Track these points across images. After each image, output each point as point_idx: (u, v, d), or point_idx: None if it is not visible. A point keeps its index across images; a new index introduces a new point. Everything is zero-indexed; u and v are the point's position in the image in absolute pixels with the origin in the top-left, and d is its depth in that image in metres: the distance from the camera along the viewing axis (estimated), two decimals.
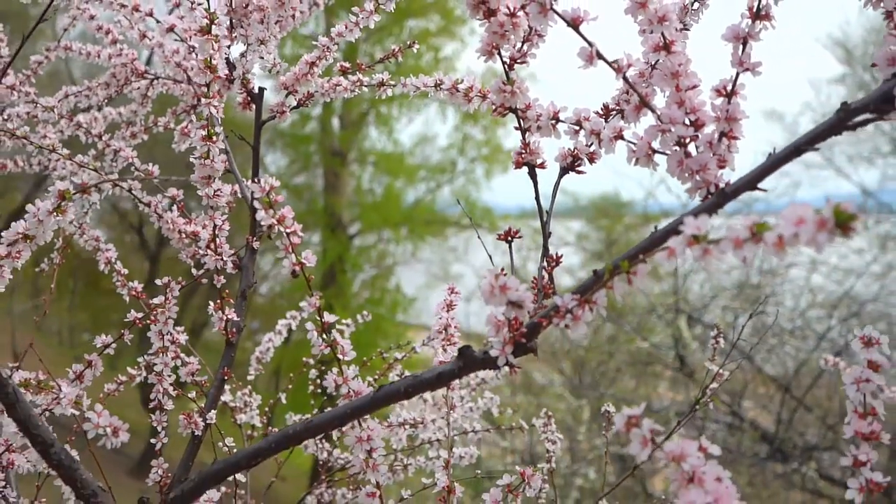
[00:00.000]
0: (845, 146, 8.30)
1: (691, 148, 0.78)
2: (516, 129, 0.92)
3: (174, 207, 1.30)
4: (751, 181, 0.71)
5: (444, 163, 11.09)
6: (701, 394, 1.39)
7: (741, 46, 0.77)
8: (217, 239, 1.17)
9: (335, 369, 0.84)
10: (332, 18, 8.39)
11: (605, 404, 1.52)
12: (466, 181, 10.98)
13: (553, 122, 0.91)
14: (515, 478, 0.95)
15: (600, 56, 0.79)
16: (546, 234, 0.91)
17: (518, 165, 0.93)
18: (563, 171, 0.92)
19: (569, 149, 0.92)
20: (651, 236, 0.72)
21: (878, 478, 0.66)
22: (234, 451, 1.40)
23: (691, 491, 0.60)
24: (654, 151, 0.80)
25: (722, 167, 0.76)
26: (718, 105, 0.77)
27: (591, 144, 0.89)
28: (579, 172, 0.91)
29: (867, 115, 0.68)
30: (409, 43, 1.39)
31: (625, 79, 0.81)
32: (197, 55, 1.24)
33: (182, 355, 1.22)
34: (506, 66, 0.89)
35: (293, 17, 1.31)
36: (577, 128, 0.90)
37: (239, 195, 1.33)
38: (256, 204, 0.76)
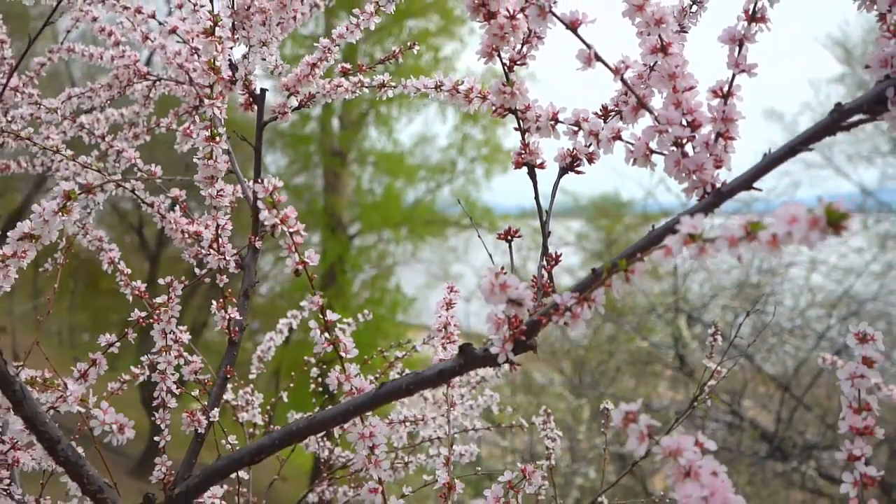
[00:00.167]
0: (845, 146, 8.31)
1: (688, 148, 0.79)
2: (516, 129, 0.93)
3: (177, 207, 1.31)
4: (746, 181, 0.72)
5: (443, 163, 11.10)
6: (699, 391, 1.41)
7: (737, 48, 0.78)
8: (220, 238, 1.18)
9: (338, 367, 0.86)
10: (331, 19, 8.40)
11: (604, 402, 1.53)
12: (466, 181, 11.00)
13: (552, 122, 0.92)
14: (516, 474, 0.96)
15: (598, 58, 0.80)
16: (546, 234, 0.92)
17: (518, 165, 0.94)
18: (563, 171, 0.93)
19: (568, 149, 0.93)
20: (648, 235, 0.73)
21: (871, 472, 0.67)
22: (237, 448, 1.41)
23: (687, 485, 0.61)
24: (652, 152, 0.81)
25: (718, 167, 0.77)
26: (715, 106, 0.78)
27: (590, 145, 0.90)
28: (578, 172, 0.92)
29: (861, 116, 0.69)
30: (409, 44, 1.41)
31: (623, 80, 0.82)
32: (199, 57, 1.25)
33: (185, 354, 1.23)
34: (505, 68, 0.90)
35: (294, 18, 1.32)
36: (575, 128, 0.91)
37: (240, 195, 1.35)
38: (260, 204, 0.78)
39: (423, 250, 11.38)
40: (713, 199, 0.74)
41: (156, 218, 1.28)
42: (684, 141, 0.79)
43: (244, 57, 1.26)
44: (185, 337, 1.23)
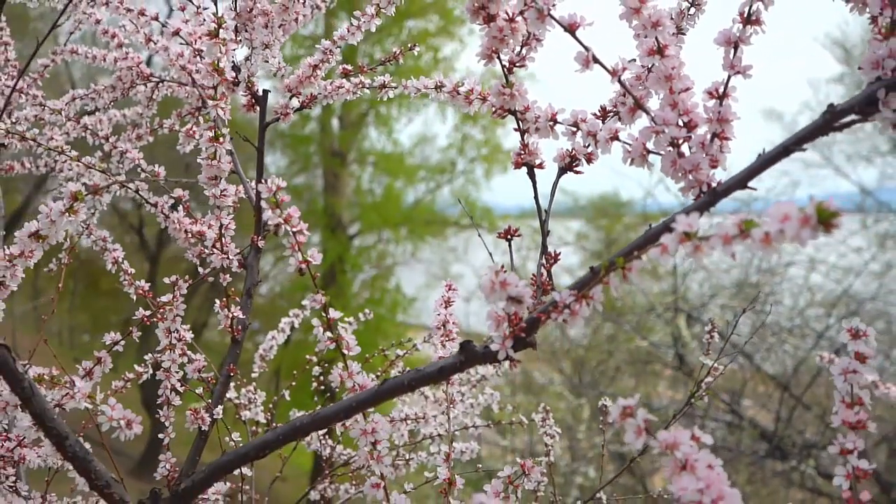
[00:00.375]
0: (844, 145, 8.33)
1: (684, 148, 0.80)
2: (515, 130, 0.95)
3: (180, 207, 1.32)
4: (741, 180, 0.74)
5: (443, 163, 11.12)
6: (696, 388, 1.42)
7: (733, 50, 0.80)
8: (223, 238, 1.20)
9: (340, 364, 0.87)
10: (331, 19, 8.42)
11: (602, 396, 1.54)
12: (466, 181, 11.01)
13: (551, 123, 0.93)
14: (515, 469, 0.98)
15: (596, 60, 0.82)
16: (545, 233, 0.94)
17: (517, 166, 0.95)
18: (562, 171, 0.95)
19: (567, 149, 0.94)
20: (645, 234, 0.75)
21: (864, 465, 0.69)
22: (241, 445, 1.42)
23: (684, 477, 0.62)
24: (649, 152, 0.83)
25: (714, 167, 0.79)
26: (710, 107, 0.80)
27: (589, 145, 0.92)
28: (577, 172, 0.94)
29: (853, 117, 0.71)
30: (410, 45, 1.42)
31: (620, 82, 0.84)
32: (203, 58, 1.27)
33: (189, 353, 1.25)
34: (505, 70, 0.92)
35: (296, 20, 1.34)
36: (574, 129, 0.92)
37: (243, 195, 1.36)
38: (264, 203, 0.79)
39: (423, 250, 11.40)
40: (709, 198, 0.75)
41: (159, 218, 1.29)
42: (680, 141, 0.80)
43: (247, 59, 1.28)
44: (189, 335, 1.24)
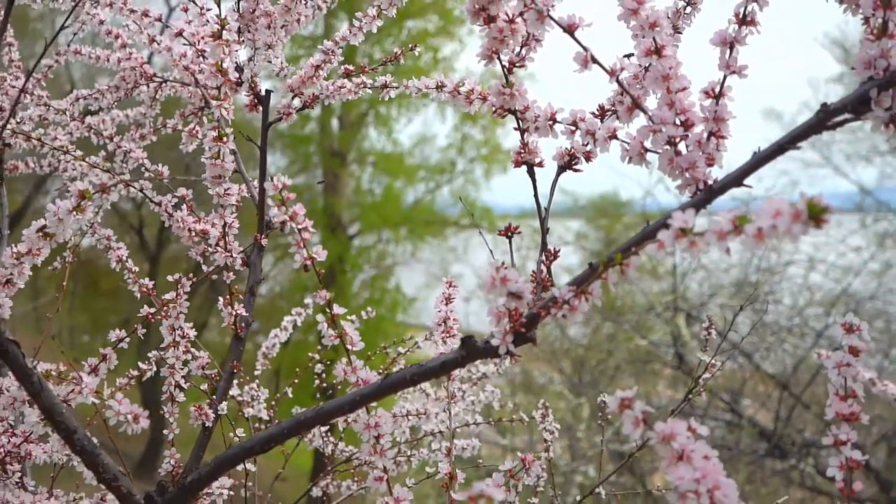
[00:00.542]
0: (843, 145, 8.34)
1: (681, 147, 0.82)
2: (515, 129, 0.96)
3: (183, 206, 1.34)
4: (737, 178, 0.75)
5: (443, 163, 11.13)
6: (694, 384, 1.43)
7: (728, 50, 0.81)
8: (227, 236, 1.22)
9: (344, 359, 0.89)
10: (330, 19, 8.43)
11: (601, 395, 1.56)
12: (466, 181, 11.02)
13: (550, 122, 0.95)
14: (516, 463, 0.99)
15: (595, 60, 0.83)
16: (545, 230, 0.96)
17: (517, 164, 0.97)
18: (561, 169, 0.96)
19: (566, 148, 0.96)
20: (643, 230, 0.76)
21: (857, 456, 0.70)
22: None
23: (680, 468, 0.64)
24: (647, 150, 0.85)
25: (710, 165, 0.80)
26: (707, 106, 0.81)
27: (587, 144, 0.93)
28: (576, 170, 0.96)
29: (846, 116, 0.72)
30: (410, 46, 1.44)
31: (618, 82, 0.85)
32: (206, 59, 1.28)
33: (192, 350, 1.27)
34: (505, 70, 0.93)
35: (298, 21, 1.35)
36: (573, 128, 0.94)
37: (245, 194, 1.38)
38: (269, 201, 0.81)
39: (423, 250, 11.41)
40: (705, 195, 0.77)
41: (163, 216, 1.31)
42: (677, 140, 0.82)
43: (250, 59, 1.29)
44: (192, 333, 1.26)
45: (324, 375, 1.91)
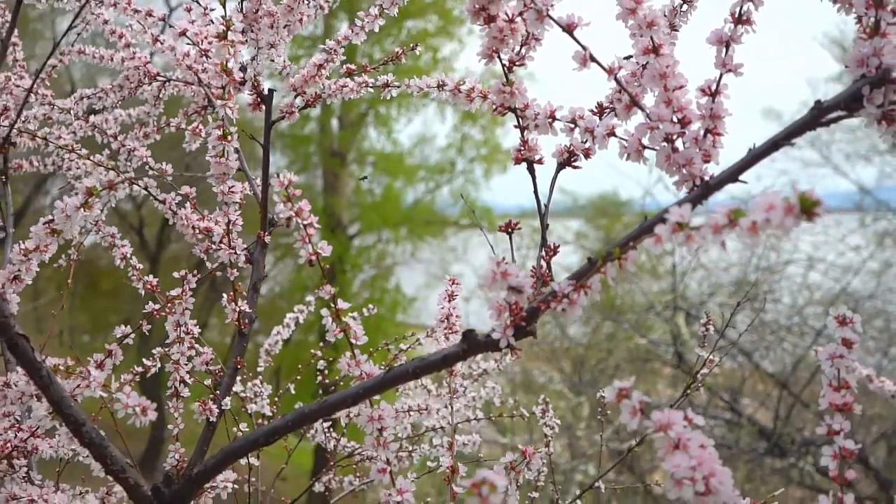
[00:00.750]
0: (843, 144, 8.36)
1: (678, 144, 0.84)
2: (515, 127, 0.98)
3: (187, 204, 1.35)
4: (733, 174, 0.77)
5: (443, 163, 11.15)
6: (692, 380, 1.45)
7: (724, 49, 0.83)
8: (231, 234, 1.23)
9: (347, 353, 0.90)
10: (330, 20, 8.45)
11: (601, 390, 1.57)
12: (465, 181, 11.04)
13: (550, 120, 0.97)
14: (517, 456, 1.01)
15: (593, 59, 0.85)
16: (544, 226, 0.97)
17: (517, 161, 0.99)
18: (560, 166, 0.98)
19: (565, 145, 0.97)
20: (640, 226, 0.78)
21: (850, 445, 0.72)
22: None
23: (677, 456, 0.65)
24: (644, 147, 0.86)
25: (707, 161, 0.82)
26: (703, 104, 0.83)
27: (586, 141, 0.95)
28: (575, 167, 0.97)
29: (839, 113, 0.74)
30: (412, 46, 1.46)
31: (616, 80, 0.87)
32: (208, 58, 1.30)
33: (196, 346, 1.28)
34: (505, 69, 0.95)
35: (300, 21, 1.37)
36: (572, 125, 0.95)
37: (247, 192, 1.39)
38: (275, 197, 0.82)
39: (423, 250, 11.43)
40: (701, 191, 0.78)
41: (167, 214, 1.32)
42: (675, 137, 0.83)
43: (253, 59, 1.31)
44: (196, 330, 1.28)
45: (326, 372, 1.92)
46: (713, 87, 0.83)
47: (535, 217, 1.00)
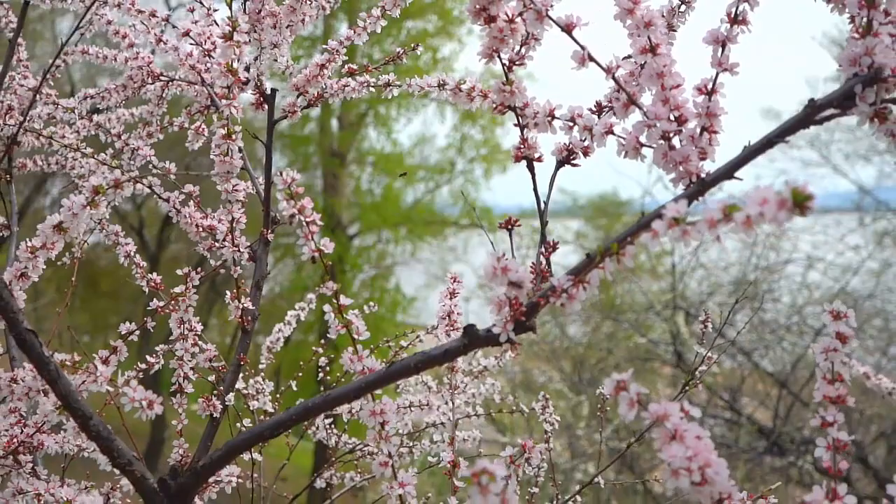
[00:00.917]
0: (842, 144, 8.37)
1: (675, 141, 0.85)
2: (515, 125, 1.00)
3: (191, 202, 1.37)
4: (728, 171, 0.79)
5: (442, 163, 11.16)
6: (690, 377, 1.47)
7: (720, 48, 0.84)
8: (234, 231, 1.25)
9: (350, 349, 0.91)
10: (330, 20, 8.47)
11: (600, 387, 1.59)
12: (465, 181, 11.05)
13: (549, 118, 0.98)
14: (517, 449, 1.02)
15: (591, 58, 0.87)
16: (543, 223, 0.99)
17: (517, 159, 1.00)
18: (559, 164, 0.99)
19: (564, 143, 0.99)
20: (638, 222, 0.79)
21: (843, 436, 0.73)
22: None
23: (673, 446, 0.67)
24: (642, 145, 0.88)
25: (703, 159, 0.83)
26: (700, 102, 0.84)
27: (585, 139, 0.96)
28: (574, 165, 0.99)
29: (832, 111, 0.76)
30: (412, 46, 1.47)
31: (614, 79, 0.89)
32: (212, 58, 1.32)
33: (199, 343, 1.30)
34: (505, 68, 0.96)
35: (303, 21, 1.38)
36: (571, 124, 0.97)
37: (250, 191, 1.41)
38: (278, 195, 0.84)
39: (423, 250, 11.44)
40: (697, 187, 0.80)
41: (171, 212, 1.34)
42: (671, 135, 0.85)
43: (256, 59, 1.32)
44: (199, 327, 1.29)
45: (327, 369, 1.94)
46: (709, 86, 0.84)
47: (534, 217, 1.01)
